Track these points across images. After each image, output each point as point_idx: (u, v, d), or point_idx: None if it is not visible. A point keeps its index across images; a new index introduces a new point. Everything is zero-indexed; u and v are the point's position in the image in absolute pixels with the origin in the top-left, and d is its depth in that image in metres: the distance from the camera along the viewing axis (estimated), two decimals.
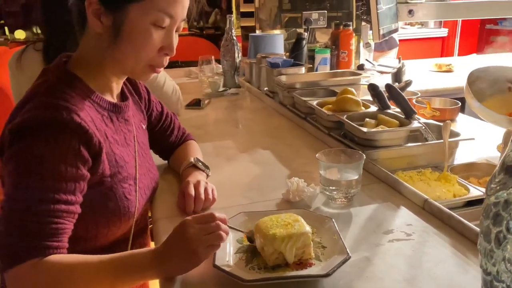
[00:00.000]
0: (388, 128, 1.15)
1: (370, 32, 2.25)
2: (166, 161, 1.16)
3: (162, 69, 0.83)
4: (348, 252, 0.70)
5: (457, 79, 2.25)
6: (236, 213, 0.84)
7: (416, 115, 1.20)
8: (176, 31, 0.81)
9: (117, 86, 0.87)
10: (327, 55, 2.14)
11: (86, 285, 0.67)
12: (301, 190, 0.93)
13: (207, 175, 1.04)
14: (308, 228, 0.72)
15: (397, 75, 2.11)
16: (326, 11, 2.34)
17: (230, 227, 0.75)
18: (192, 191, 0.91)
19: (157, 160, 1.12)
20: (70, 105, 0.71)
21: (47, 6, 1.27)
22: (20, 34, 5.44)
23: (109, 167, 0.78)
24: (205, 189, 0.93)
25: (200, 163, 1.03)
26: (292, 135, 1.44)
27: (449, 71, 2.47)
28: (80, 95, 0.75)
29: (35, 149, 0.67)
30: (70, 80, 0.77)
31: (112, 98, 0.86)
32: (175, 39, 0.81)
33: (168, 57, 0.82)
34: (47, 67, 0.81)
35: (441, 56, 4.37)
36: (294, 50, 2.09)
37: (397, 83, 1.87)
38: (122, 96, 0.92)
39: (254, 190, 1.01)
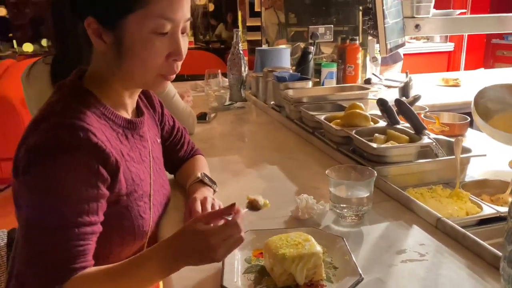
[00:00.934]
0: (398, 144, 1.13)
1: (377, 46, 2.25)
2: (172, 175, 1.15)
3: (174, 76, 0.80)
4: (361, 273, 0.68)
5: (465, 94, 2.23)
6: (244, 230, 0.81)
7: (426, 131, 1.18)
8: (182, 33, 0.77)
9: (131, 101, 0.85)
10: (334, 69, 2.14)
11: None
12: (310, 208, 0.90)
13: (214, 191, 1.02)
14: (319, 248, 0.69)
15: (405, 89, 2.10)
16: (332, 26, 2.35)
17: None
18: (199, 207, 0.89)
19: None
20: (86, 124, 0.69)
21: (58, 19, 1.28)
22: (28, 47, 5.52)
23: (126, 186, 0.77)
24: (212, 206, 0.91)
25: (207, 179, 1.02)
26: (300, 149, 1.42)
27: (456, 85, 2.45)
28: (94, 114, 0.74)
29: (56, 173, 0.65)
30: (85, 98, 0.75)
31: (127, 113, 0.84)
32: (183, 42, 0.77)
33: (178, 63, 0.78)
34: (63, 82, 0.79)
35: (447, 70, 4.36)
36: (301, 63, 2.09)
37: (404, 98, 1.86)
38: (138, 111, 0.90)
39: None
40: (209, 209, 0.89)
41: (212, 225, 0.70)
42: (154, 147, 0.91)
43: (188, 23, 0.78)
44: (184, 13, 0.76)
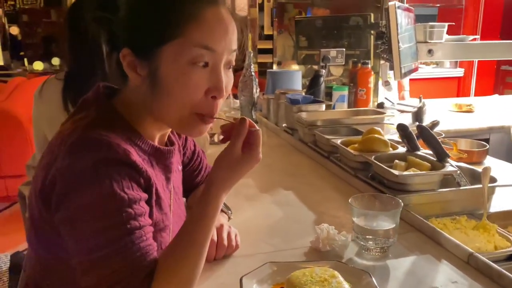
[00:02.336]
0: (421, 172, 1.08)
1: (390, 70, 2.22)
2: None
3: (213, 120, 0.72)
4: None
5: (479, 120, 2.19)
6: (262, 262, 0.76)
7: (448, 158, 1.13)
8: (226, 66, 0.71)
9: (163, 133, 0.79)
10: (345, 92, 2.11)
11: (194, 252, 0.66)
12: (331, 238, 0.85)
13: (229, 218, 0.97)
14: (347, 286, 0.64)
15: (418, 114, 2.06)
16: (344, 49, 2.34)
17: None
18: (214, 236, 0.84)
19: None
20: (121, 143, 0.64)
21: (73, 38, 1.28)
22: (38, 66, 5.58)
23: (156, 213, 0.71)
24: (228, 234, 0.86)
25: (223, 204, 0.96)
26: (315, 174, 1.37)
27: (470, 111, 2.41)
28: (120, 137, 0.67)
29: (101, 189, 0.60)
30: (114, 119, 0.70)
31: (156, 141, 0.78)
32: (226, 77, 0.70)
33: (218, 101, 0.70)
34: (87, 98, 0.73)
35: (457, 96, 4.33)
36: (312, 86, 2.06)
37: (417, 123, 1.81)
38: (168, 140, 0.83)
39: (278, 236, 0.94)
40: (225, 238, 0.84)
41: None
42: (175, 176, 0.85)
43: (233, 56, 0.71)
44: (228, 44, 0.69)
